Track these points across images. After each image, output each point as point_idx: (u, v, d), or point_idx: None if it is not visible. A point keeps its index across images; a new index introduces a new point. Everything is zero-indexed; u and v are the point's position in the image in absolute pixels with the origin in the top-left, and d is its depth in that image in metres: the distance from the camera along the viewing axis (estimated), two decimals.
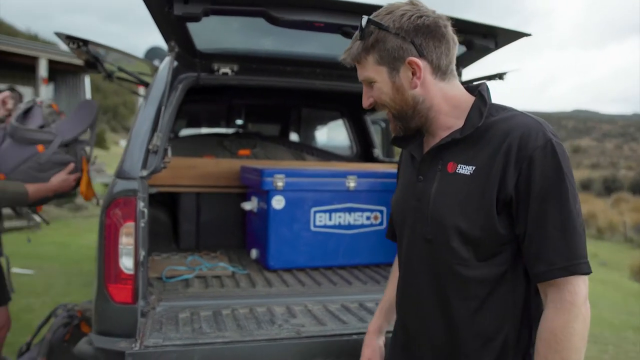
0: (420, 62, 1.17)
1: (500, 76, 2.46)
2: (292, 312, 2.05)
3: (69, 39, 2.52)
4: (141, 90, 4.73)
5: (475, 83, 1.27)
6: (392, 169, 3.06)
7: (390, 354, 1.43)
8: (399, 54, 1.17)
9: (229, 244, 3.15)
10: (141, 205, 1.94)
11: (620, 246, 14.51)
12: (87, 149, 2.57)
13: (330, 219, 2.67)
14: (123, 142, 21.70)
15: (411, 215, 1.27)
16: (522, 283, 1.17)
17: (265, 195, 2.59)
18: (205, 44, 2.24)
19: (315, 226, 2.64)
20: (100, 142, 25.73)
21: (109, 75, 3.12)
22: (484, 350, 1.18)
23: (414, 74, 1.18)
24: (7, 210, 2.87)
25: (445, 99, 1.21)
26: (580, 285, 1.07)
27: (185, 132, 4.88)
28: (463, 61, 2.38)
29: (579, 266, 1.07)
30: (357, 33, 1.21)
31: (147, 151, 2.05)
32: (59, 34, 2.53)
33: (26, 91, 8.74)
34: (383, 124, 4.69)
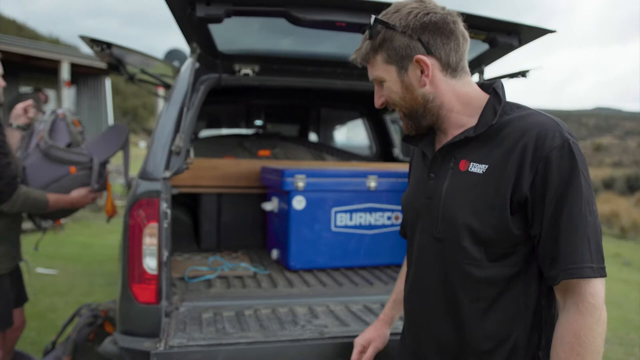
0: (428, 60, 1.16)
1: (523, 74, 2.42)
2: (314, 313, 2.05)
3: (93, 42, 2.56)
4: (161, 91, 4.78)
5: (489, 80, 1.25)
6: None
7: (399, 355, 1.42)
8: (406, 52, 1.16)
9: (249, 244, 3.16)
10: (164, 206, 1.96)
11: None
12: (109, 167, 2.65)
13: (351, 219, 2.66)
14: (142, 144, 21.93)
15: (422, 214, 1.26)
16: (534, 285, 1.15)
17: (286, 196, 2.60)
18: (227, 45, 2.25)
19: (336, 226, 2.64)
20: None
21: (131, 77, 3.16)
22: (493, 351, 1.16)
23: (422, 72, 1.17)
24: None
25: (456, 96, 1.20)
26: (599, 287, 1.06)
27: (205, 133, 4.91)
28: (486, 59, 2.35)
29: (599, 268, 1.06)
30: (366, 32, 1.21)
31: (170, 152, 2.08)
32: (83, 37, 2.57)
33: (49, 94, 8.88)
34: None
